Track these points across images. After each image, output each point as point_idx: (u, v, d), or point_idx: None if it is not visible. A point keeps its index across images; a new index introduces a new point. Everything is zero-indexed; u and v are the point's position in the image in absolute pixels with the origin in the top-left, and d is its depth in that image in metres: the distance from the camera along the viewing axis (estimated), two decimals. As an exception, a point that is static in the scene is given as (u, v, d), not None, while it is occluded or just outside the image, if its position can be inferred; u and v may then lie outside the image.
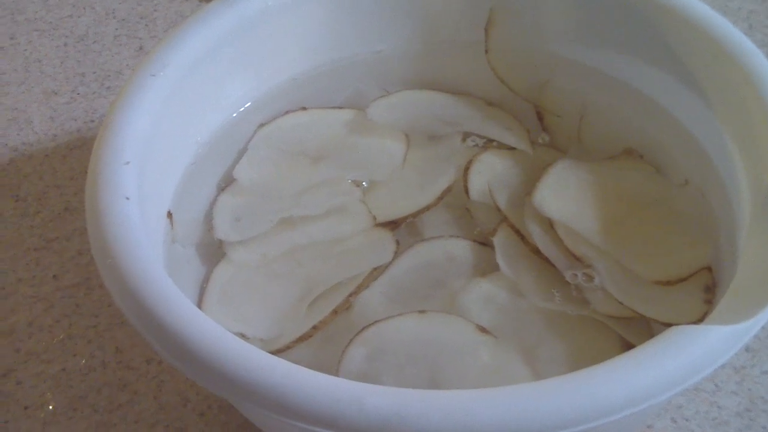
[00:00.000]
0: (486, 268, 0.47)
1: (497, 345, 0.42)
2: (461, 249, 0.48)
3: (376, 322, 0.44)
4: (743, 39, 0.45)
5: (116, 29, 0.71)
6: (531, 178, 0.49)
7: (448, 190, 0.50)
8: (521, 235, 0.47)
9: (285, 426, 0.35)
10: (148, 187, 0.43)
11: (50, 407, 0.48)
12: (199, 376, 0.34)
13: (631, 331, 0.43)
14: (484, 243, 0.48)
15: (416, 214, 0.49)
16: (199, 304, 0.45)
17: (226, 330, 0.35)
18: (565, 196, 0.48)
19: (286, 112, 0.53)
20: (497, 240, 0.47)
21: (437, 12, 0.56)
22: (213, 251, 0.48)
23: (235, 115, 0.52)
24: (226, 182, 0.50)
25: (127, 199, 0.40)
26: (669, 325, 0.35)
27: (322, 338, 0.44)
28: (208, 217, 0.49)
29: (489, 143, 0.52)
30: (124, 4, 0.73)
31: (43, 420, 0.48)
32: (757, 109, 0.42)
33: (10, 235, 0.57)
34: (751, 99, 0.43)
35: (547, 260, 0.46)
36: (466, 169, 0.51)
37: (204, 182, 0.50)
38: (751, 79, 0.43)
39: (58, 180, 0.59)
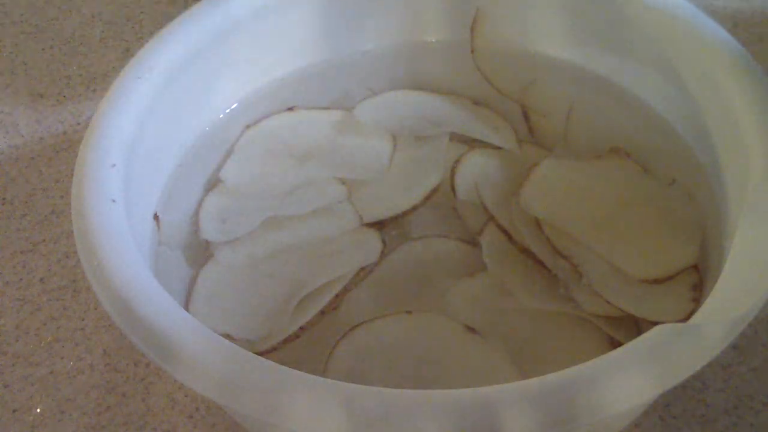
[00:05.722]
0: (473, 267, 0.47)
1: (484, 344, 0.42)
2: (448, 248, 0.48)
3: (363, 322, 0.44)
4: (728, 38, 0.46)
5: (102, 32, 0.71)
6: (518, 178, 0.49)
7: (435, 190, 0.50)
8: (508, 235, 0.47)
9: (273, 428, 0.35)
10: (134, 190, 0.43)
11: (38, 410, 0.48)
12: (187, 377, 0.34)
13: (619, 330, 0.43)
14: (472, 242, 0.48)
15: (403, 214, 0.49)
16: (186, 306, 0.45)
17: (212, 331, 0.35)
18: (551, 195, 0.48)
19: (273, 113, 0.53)
20: (484, 239, 0.48)
21: (424, 12, 0.56)
22: (200, 253, 0.48)
23: (221, 116, 0.52)
24: (213, 183, 0.50)
25: (114, 201, 0.40)
26: (656, 323, 0.35)
27: (309, 339, 0.44)
28: (195, 219, 0.49)
29: (476, 143, 0.52)
30: (110, 6, 0.73)
31: (31, 423, 0.48)
32: (743, 108, 0.43)
33: (-4, 238, 0.57)
34: (737, 98, 0.43)
35: (534, 259, 0.46)
36: (453, 168, 0.51)
37: (190, 184, 0.50)
38: (737, 77, 0.44)
39: (45, 183, 0.59)
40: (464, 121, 0.53)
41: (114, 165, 0.42)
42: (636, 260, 0.45)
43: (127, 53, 0.69)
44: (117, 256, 0.38)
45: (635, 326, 0.44)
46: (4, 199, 0.58)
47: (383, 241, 0.48)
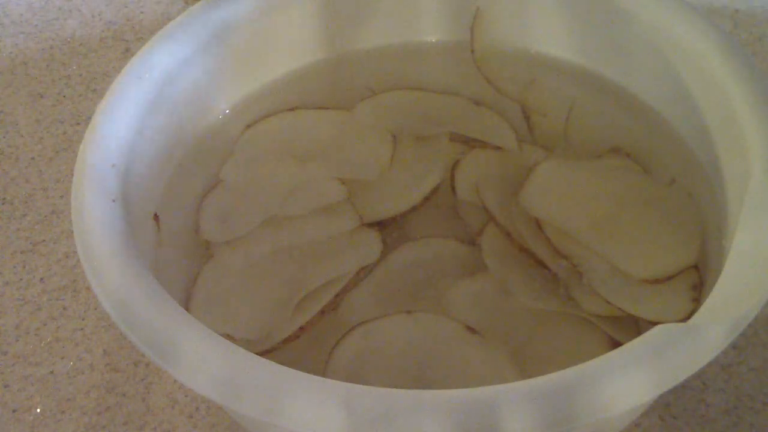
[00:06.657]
0: (473, 267, 0.47)
1: (485, 344, 0.42)
2: (448, 249, 0.48)
3: (363, 322, 0.44)
4: (728, 38, 0.46)
5: (102, 31, 0.71)
6: (518, 178, 0.49)
7: (435, 190, 0.50)
8: (508, 235, 0.47)
9: (272, 428, 0.35)
10: (134, 189, 0.43)
11: (38, 410, 0.48)
12: (187, 377, 0.34)
13: (619, 330, 0.43)
14: (472, 242, 0.48)
15: (403, 214, 0.49)
16: (186, 306, 0.45)
17: (212, 331, 0.35)
18: (551, 195, 0.48)
19: (273, 113, 0.53)
20: (484, 239, 0.47)
21: (424, 12, 0.56)
22: (200, 252, 0.48)
23: (221, 116, 0.52)
24: (213, 183, 0.50)
25: (113, 201, 0.40)
26: (656, 323, 0.35)
27: (310, 339, 0.44)
28: (195, 219, 0.49)
29: (476, 143, 0.52)
30: (110, 6, 0.73)
31: (31, 423, 0.48)
32: (743, 108, 0.42)
33: (-4, 238, 0.57)
34: (737, 98, 0.43)
35: (534, 259, 0.46)
36: (453, 168, 0.51)
37: (190, 184, 0.50)
38: (737, 77, 0.44)
39: (45, 183, 0.59)
40: (464, 121, 0.53)
41: (114, 165, 0.42)
42: (636, 260, 0.45)
43: (127, 53, 0.69)
44: (117, 257, 0.38)
45: (635, 326, 0.43)
46: (4, 199, 0.58)
47: (383, 241, 0.48)
